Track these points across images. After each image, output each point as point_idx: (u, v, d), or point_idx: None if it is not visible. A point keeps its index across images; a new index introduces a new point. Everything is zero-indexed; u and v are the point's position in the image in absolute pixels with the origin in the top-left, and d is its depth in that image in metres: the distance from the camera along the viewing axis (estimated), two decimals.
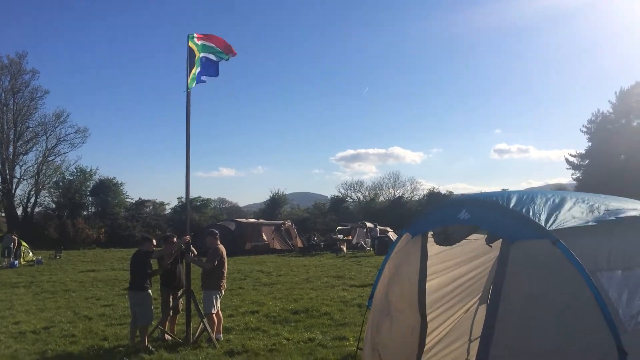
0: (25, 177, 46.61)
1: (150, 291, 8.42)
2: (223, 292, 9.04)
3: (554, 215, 4.08)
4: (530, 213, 4.08)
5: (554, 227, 3.91)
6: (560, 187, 51.89)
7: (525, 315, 3.93)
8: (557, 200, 4.34)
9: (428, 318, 5.75)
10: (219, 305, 8.77)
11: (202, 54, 8.70)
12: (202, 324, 8.46)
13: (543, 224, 3.93)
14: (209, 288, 8.68)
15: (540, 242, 3.86)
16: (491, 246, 4.93)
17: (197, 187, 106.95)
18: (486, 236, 4.76)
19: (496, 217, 4.35)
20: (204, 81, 8.80)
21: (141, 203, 53.47)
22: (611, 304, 3.57)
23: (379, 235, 31.52)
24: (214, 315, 8.59)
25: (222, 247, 8.94)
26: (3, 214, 47.74)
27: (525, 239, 3.98)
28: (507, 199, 4.37)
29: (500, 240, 4.27)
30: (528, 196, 4.40)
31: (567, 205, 4.26)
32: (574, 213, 4.17)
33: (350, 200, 62.77)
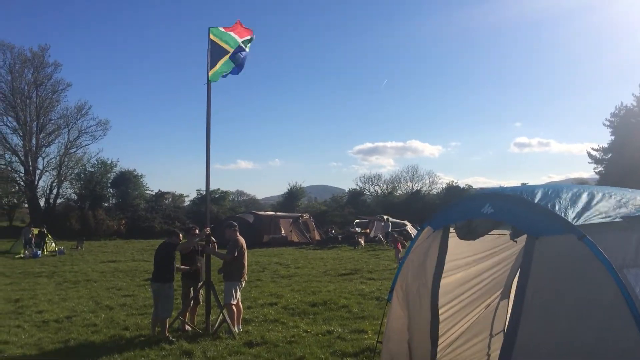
0: (47, 169, 47.35)
1: (172, 283, 8.51)
2: (244, 284, 9.08)
3: (580, 210, 4.00)
4: (556, 208, 4.00)
5: (580, 222, 3.83)
6: (581, 181, 51.14)
7: (550, 311, 3.87)
8: (583, 195, 4.25)
9: (449, 312, 5.72)
10: (239, 296, 8.83)
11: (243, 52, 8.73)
12: (221, 315, 8.52)
13: (569, 219, 3.86)
14: (230, 279, 8.74)
15: (566, 237, 3.79)
16: (516, 241, 4.86)
17: (215, 180, 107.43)
18: (510, 231, 4.69)
19: (521, 211, 4.28)
20: (237, 72, 8.85)
21: (161, 195, 54.03)
22: (638, 301, 3.51)
23: (390, 229, 31.34)
24: (233, 306, 8.64)
25: (241, 239, 8.99)
26: (26, 205, 48.70)
27: (550, 234, 3.92)
28: (531, 194, 4.29)
29: (525, 235, 4.20)
30: (553, 191, 4.31)
31: (593, 200, 4.17)
32: (601, 208, 4.09)
33: (368, 193, 62.57)
